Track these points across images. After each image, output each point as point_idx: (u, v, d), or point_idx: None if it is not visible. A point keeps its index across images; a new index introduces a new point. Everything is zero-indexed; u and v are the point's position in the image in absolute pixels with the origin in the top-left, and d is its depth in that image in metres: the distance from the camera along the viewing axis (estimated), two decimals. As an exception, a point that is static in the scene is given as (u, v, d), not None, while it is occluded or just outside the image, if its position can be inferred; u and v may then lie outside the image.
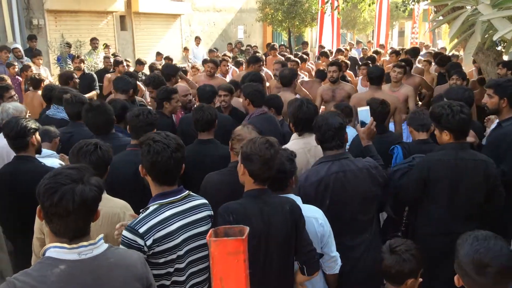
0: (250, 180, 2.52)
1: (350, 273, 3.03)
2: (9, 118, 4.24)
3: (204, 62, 10.61)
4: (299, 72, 8.18)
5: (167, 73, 6.14)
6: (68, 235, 1.77)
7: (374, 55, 11.15)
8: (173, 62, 9.69)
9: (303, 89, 6.91)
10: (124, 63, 9.05)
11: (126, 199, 2.83)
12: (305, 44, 14.94)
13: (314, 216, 2.80)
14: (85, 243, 1.78)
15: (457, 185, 3.26)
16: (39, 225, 2.82)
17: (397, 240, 2.65)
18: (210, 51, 10.88)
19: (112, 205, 2.73)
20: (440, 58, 8.67)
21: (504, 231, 3.41)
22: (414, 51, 9.79)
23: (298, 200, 2.82)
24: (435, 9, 7.03)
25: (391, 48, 12.44)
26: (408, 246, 2.57)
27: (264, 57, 9.74)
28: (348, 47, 15.43)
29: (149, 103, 6.46)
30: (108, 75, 8.69)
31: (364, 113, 3.53)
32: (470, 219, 3.31)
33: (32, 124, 3.48)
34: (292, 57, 9.26)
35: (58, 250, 1.75)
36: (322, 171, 3.04)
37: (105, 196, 2.74)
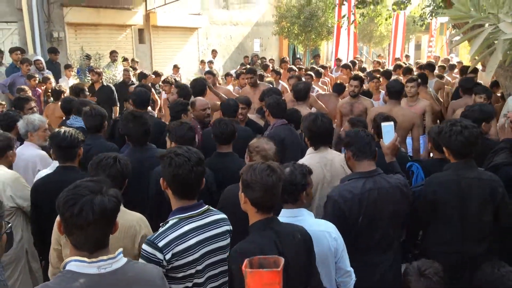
0: (252, 209, 2.38)
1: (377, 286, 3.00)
2: (35, 129, 4.35)
3: (227, 74, 10.70)
4: (313, 86, 8.20)
5: (200, 90, 6.12)
6: (88, 248, 1.79)
7: (389, 69, 11.11)
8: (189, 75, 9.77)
9: (319, 101, 6.92)
10: (151, 76, 9.21)
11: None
12: (317, 57, 14.96)
13: (327, 230, 2.75)
14: (104, 257, 1.79)
15: (465, 204, 3.22)
16: (56, 236, 2.85)
17: (424, 262, 2.64)
18: (227, 74, 10.90)
19: (128, 218, 2.75)
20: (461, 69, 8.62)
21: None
22: (431, 67, 9.75)
23: (310, 216, 2.79)
24: (452, 25, 7.01)
25: (398, 62, 12.48)
26: (436, 268, 2.59)
27: (281, 70, 9.79)
28: (363, 59, 15.48)
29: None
30: (133, 87, 8.83)
31: (387, 128, 3.50)
32: (482, 237, 3.27)
33: (81, 136, 3.57)
34: (306, 68, 9.30)
35: (78, 264, 1.76)
36: (357, 188, 2.98)
37: (121, 208, 2.80)
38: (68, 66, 10.43)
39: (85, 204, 1.73)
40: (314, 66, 12.45)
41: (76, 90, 6.64)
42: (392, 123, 3.54)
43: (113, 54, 11.90)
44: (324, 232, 2.73)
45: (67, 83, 9.34)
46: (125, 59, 12.00)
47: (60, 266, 1.82)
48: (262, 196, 2.32)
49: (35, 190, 3.50)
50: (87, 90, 6.94)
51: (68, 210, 1.74)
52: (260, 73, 9.71)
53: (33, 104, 5.67)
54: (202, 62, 15.69)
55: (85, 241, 1.78)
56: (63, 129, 3.60)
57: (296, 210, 2.76)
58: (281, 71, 9.85)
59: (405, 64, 11.35)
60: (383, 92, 7.67)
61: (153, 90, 8.08)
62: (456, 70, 12.50)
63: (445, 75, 11.53)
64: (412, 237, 3.66)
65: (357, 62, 12.71)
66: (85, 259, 1.77)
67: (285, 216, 2.72)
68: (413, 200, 3.27)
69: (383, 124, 3.45)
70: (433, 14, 11.49)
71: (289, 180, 2.68)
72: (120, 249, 1.89)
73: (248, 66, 13.55)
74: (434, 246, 3.38)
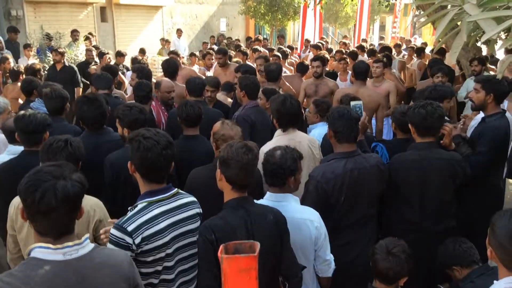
0: (228, 186, 2.43)
1: (351, 265, 3.07)
2: (0, 112, 4.18)
3: (192, 54, 10.56)
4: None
5: (172, 71, 6.00)
6: (52, 234, 1.74)
7: (356, 49, 11.20)
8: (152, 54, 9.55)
9: (287, 83, 6.91)
10: (108, 55, 8.96)
11: (132, 196, 2.78)
12: (280, 37, 14.91)
13: (309, 218, 2.75)
14: (70, 243, 1.75)
15: (424, 184, 3.34)
16: (11, 222, 2.79)
17: (391, 241, 2.70)
18: (192, 54, 10.75)
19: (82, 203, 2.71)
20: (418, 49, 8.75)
21: (473, 229, 3.53)
22: (387, 50, 9.92)
23: (296, 202, 2.79)
24: (416, 6, 7.09)
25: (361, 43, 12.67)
26: (403, 246, 2.65)
27: (248, 51, 9.72)
28: (328, 40, 15.55)
29: (127, 96, 6.45)
30: (94, 67, 8.60)
31: (357, 107, 3.55)
32: (441, 217, 3.40)
33: (49, 120, 3.45)
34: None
35: (43, 251, 1.72)
36: (339, 169, 3.03)
37: None
38: (27, 46, 10.05)
39: (47, 189, 1.68)
40: (281, 46, 12.45)
41: (31, 70, 6.46)
42: (361, 101, 3.60)
43: (74, 33, 11.50)
44: (306, 220, 2.73)
45: (27, 63, 9.01)
46: (87, 38, 11.64)
47: (25, 253, 1.77)
48: (238, 174, 2.37)
49: None
50: (42, 70, 6.74)
51: (29, 196, 1.68)
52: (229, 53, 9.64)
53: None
54: (167, 41, 15.36)
55: (49, 228, 1.74)
56: (28, 112, 3.45)
57: (281, 195, 2.75)
58: (248, 51, 9.76)
59: (366, 46, 11.50)
60: (350, 72, 7.73)
61: (119, 71, 7.89)
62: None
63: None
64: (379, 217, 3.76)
65: (321, 45, 12.76)
66: (50, 245, 1.72)
67: (269, 199, 2.73)
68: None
69: (352, 102, 3.49)
70: (398, -5, 11.59)
71: (278, 164, 2.67)
72: (87, 235, 1.85)
73: (214, 46, 13.43)
74: (395, 224, 3.48)
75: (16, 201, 2.75)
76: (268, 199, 2.75)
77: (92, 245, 1.83)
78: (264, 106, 4.82)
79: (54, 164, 1.80)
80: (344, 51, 10.73)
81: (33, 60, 9.53)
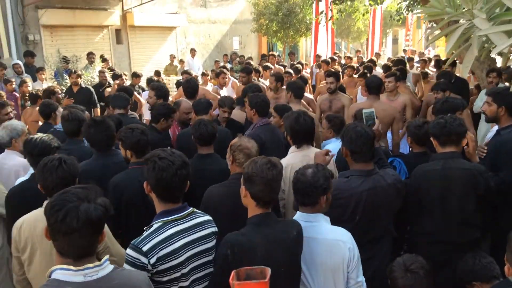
0: (252, 202, 2.43)
1: (368, 281, 2.96)
2: (19, 135, 4.28)
3: (203, 74, 10.66)
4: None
5: (193, 91, 6.04)
6: (72, 255, 1.77)
7: (371, 64, 11.21)
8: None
9: (303, 101, 6.94)
10: (123, 77, 9.10)
11: (134, 218, 2.82)
12: (291, 54, 14.97)
13: (342, 240, 2.64)
14: (90, 265, 1.78)
15: (447, 194, 3.30)
16: (15, 244, 2.82)
17: (408, 257, 2.67)
18: (203, 74, 10.89)
19: None
20: (436, 61, 8.74)
21: (503, 238, 3.46)
22: (400, 63, 9.90)
23: (327, 222, 2.71)
24: (429, 21, 7.09)
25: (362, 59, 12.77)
26: (421, 262, 2.61)
27: (260, 68, 9.79)
28: (342, 55, 15.58)
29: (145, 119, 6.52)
30: (109, 90, 8.75)
31: (369, 114, 3.53)
32: (465, 227, 3.34)
33: (55, 142, 3.51)
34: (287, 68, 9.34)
35: (64, 272, 1.75)
36: (355, 187, 2.98)
37: None
38: (40, 69, 10.22)
39: (70, 210, 1.72)
40: (293, 63, 12.53)
41: (47, 92, 6.57)
42: (373, 109, 3.56)
43: (90, 56, 11.70)
44: (339, 241, 2.63)
45: (41, 86, 9.19)
46: (103, 60, 11.85)
47: (46, 274, 1.80)
48: (262, 190, 2.38)
49: (10, 198, 3.40)
50: (59, 92, 6.86)
51: (53, 216, 1.73)
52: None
53: (9, 109, 5.57)
54: (180, 60, 15.61)
55: (69, 248, 1.77)
56: (36, 136, 3.54)
57: (312, 216, 2.65)
58: (260, 69, 9.83)
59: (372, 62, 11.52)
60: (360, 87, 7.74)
61: (135, 91, 8.02)
62: (432, 63, 12.72)
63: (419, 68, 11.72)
64: (401, 232, 3.72)
65: (336, 58, 12.80)
66: (71, 267, 1.75)
67: (300, 220, 2.65)
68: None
69: (364, 110, 3.47)
70: (409, 9, 11.60)
71: (310, 182, 2.58)
72: (107, 256, 1.88)
73: (227, 64, 13.54)
74: (418, 236, 3.45)
75: (19, 223, 2.81)
76: (299, 219, 2.66)
77: (111, 267, 1.86)
78: (278, 124, 4.83)
79: (82, 187, 1.85)
80: (355, 66, 10.74)
81: (47, 84, 9.71)
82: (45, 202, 2.76)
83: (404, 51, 21.10)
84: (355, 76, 9.63)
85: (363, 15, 14.97)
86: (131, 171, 3.45)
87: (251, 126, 4.84)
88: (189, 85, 6.14)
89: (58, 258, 1.80)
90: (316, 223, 2.65)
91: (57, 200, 1.76)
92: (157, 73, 12.12)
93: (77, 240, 1.75)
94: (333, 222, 2.78)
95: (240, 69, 8.51)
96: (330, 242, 2.62)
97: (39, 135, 3.55)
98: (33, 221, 2.78)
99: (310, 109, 6.65)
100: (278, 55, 16.30)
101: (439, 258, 3.27)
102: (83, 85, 8.85)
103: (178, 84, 9.92)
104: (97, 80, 10.42)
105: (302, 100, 6.35)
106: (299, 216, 2.70)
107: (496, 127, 4.10)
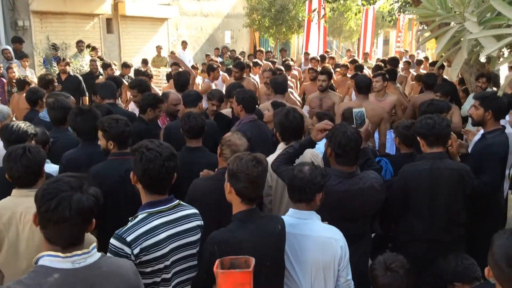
0: (237, 199, 2.43)
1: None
2: (5, 118, 4.25)
3: (192, 67, 10.61)
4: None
5: (183, 84, 6.03)
6: (61, 243, 1.77)
7: (361, 64, 11.24)
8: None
9: (292, 96, 6.96)
10: (112, 66, 9.02)
11: (112, 209, 2.81)
12: (283, 51, 14.98)
13: (334, 237, 2.67)
14: (78, 252, 1.78)
15: (434, 194, 3.35)
16: None
17: (389, 256, 2.69)
18: (192, 67, 10.81)
19: None
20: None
21: (483, 241, 3.52)
22: (395, 61, 9.95)
23: (319, 218, 2.72)
24: (421, 22, 7.14)
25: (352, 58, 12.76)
26: (402, 261, 2.63)
27: (251, 63, 9.78)
28: (333, 54, 15.60)
29: (126, 106, 6.48)
30: (102, 79, 8.69)
31: (359, 113, 3.54)
32: (451, 226, 3.40)
33: (32, 129, 3.50)
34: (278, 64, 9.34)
35: (51, 259, 1.74)
36: (329, 186, 2.95)
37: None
38: (24, 56, 10.11)
39: (62, 200, 1.72)
40: (287, 58, 12.53)
41: (44, 81, 6.45)
42: (363, 109, 3.58)
43: (79, 44, 11.58)
44: (331, 239, 2.66)
45: (24, 73, 9.08)
46: (93, 49, 11.74)
47: (32, 261, 1.79)
48: (247, 187, 2.38)
49: None
50: (55, 80, 6.79)
51: (44, 204, 1.72)
52: (229, 67, 9.72)
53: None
54: (172, 53, 15.50)
55: (59, 237, 1.76)
56: (12, 122, 3.54)
57: (306, 213, 2.67)
58: (251, 64, 9.82)
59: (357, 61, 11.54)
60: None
61: (124, 81, 7.94)
62: (422, 66, 12.81)
63: (411, 70, 11.80)
64: (386, 230, 3.75)
65: (327, 56, 12.80)
66: (59, 253, 1.75)
67: (293, 216, 2.67)
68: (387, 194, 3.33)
69: (354, 109, 3.48)
70: (401, 10, 11.66)
71: (308, 179, 2.61)
72: (94, 244, 1.88)
73: (218, 58, 13.49)
74: (403, 235, 3.49)
75: None
76: (292, 216, 2.68)
77: (99, 254, 1.86)
78: (270, 119, 4.83)
79: (74, 175, 1.84)
80: (348, 65, 10.76)
81: (29, 71, 9.61)
82: (13, 191, 2.79)
83: (406, 52, 21.11)
84: (348, 75, 9.65)
85: (356, 14, 15.02)
86: (111, 161, 3.42)
87: (237, 122, 4.81)
88: (180, 78, 6.12)
89: (46, 245, 1.79)
90: (309, 220, 2.67)
91: (49, 189, 1.75)
92: (145, 61, 12.04)
93: (67, 229, 1.74)
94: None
95: (234, 64, 8.48)
96: (322, 240, 2.64)
97: (15, 122, 3.54)
98: (0, 209, 2.77)
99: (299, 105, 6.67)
100: (270, 51, 16.28)
101: (425, 256, 3.32)
102: (71, 73, 8.77)
103: (168, 76, 9.87)
104: (86, 68, 10.33)
105: (291, 96, 6.39)
106: (292, 213, 2.71)
107: (482, 131, 4.15)
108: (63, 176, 1.83)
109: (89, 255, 1.81)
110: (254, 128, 4.55)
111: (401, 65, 12.08)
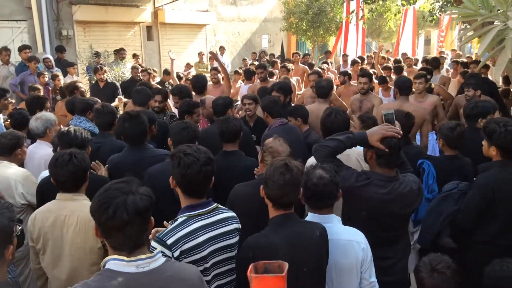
0: (269, 203, 2.47)
1: (388, 276, 2.98)
2: (53, 125, 4.42)
3: (236, 72, 10.71)
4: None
5: (201, 86, 6.12)
6: (127, 248, 1.81)
7: (400, 64, 10.99)
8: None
9: (339, 99, 6.94)
10: (150, 71, 9.20)
11: (164, 209, 2.84)
12: (328, 53, 14.91)
13: (356, 240, 2.64)
14: (142, 256, 1.81)
15: None
16: (30, 234, 2.91)
17: (434, 257, 2.61)
18: (236, 72, 10.88)
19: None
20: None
21: None
22: (435, 62, 9.69)
23: (339, 220, 2.70)
24: (463, 22, 6.94)
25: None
26: (448, 262, 2.56)
27: (290, 66, 9.79)
28: (372, 55, 15.34)
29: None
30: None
31: (389, 116, 3.47)
32: None
33: (89, 135, 3.64)
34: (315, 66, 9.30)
35: (117, 263, 1.79)
36: (376, 191, 2.91)
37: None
38: (71, 64, 10.43)
39: (118, 205, 1.76)
40: (329, 61, 12.45)
41: (70, 88, 6.58)
42: (392, 111, 3.50)
43: (120, 52, 11.86)
44: (353, 242, 2.63)
45: (71, 81, 9.36)
46: (134, 56, 12.02)
47: (100, 265, 1.85)
48: (275, 194, 2.38)
49: (41, 190, 3.47)
50: (82, 86, 6.85)
51: (103, 214, 1.77)
52: (270, 70, 9.72)
53: (48, 104, 5.74)
54: (211, 58, 15.68)
55: (124, 242, 1.81)
56: (72, 128, 3.63)
57: (325, 216, 2.65)
58: (292, 66, 9.82)
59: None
60: (393, 88, 7.62)
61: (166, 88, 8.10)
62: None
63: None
64: (459, 234, 3.64)
65: (365, 58, 12.64)
66: (124, 257, 1.79)
67: (312, 220, 2.64)
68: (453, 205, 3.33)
69: (383, 111, 3.41)
70: (442, 10, 11.36)
71: (331, 182, 2.59)
72: (159, 249, 1.93)
73: (255, 62, 13.57)
74: (481, 245, 3.39)
75: (34, 214, 2.95)
76: (312, 220, 2.65)
77: (163, 259, 1.89)
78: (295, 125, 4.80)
79: (122, 181, 1.88)
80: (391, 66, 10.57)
81: (77, 78, 9.90)
82: (58, 194, 2.90)
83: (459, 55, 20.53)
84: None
85: (395, 15, 14.73)
86: (167, 163, 3.48)
87: (268, 127, 4.75)
88: (197, 80, 6.18)
89: (112, 252, 1.84)
90: (329, 223, 2.62)
91: (102, 199, 1.79)
92: (188, 65, 12.17)
93: (129, 233, 1.78)
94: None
95: (257, 65, 8.55)
96: (344, 243, 2.61)
97: (74, 127, 3.66)
98: (45, 212, 2.89)
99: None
100: (308, 54, 16.20)
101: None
102: (109, 80, 8.98)
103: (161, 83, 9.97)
104: (127, 75, 10.55)
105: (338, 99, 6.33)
106: (311, 218, 2.68)
107: None
108: (111, 184, 1.87)
109: (153, 259, 1.84)
110: (284, 132, 4.37)
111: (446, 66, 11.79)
